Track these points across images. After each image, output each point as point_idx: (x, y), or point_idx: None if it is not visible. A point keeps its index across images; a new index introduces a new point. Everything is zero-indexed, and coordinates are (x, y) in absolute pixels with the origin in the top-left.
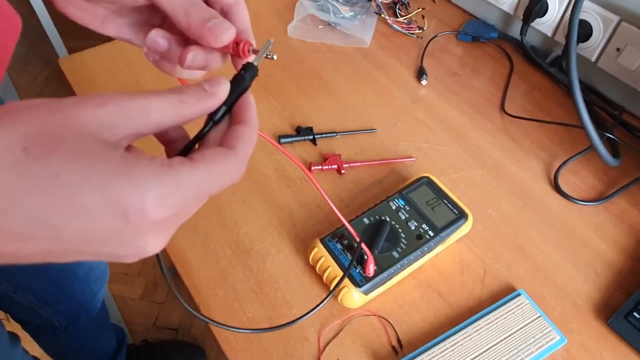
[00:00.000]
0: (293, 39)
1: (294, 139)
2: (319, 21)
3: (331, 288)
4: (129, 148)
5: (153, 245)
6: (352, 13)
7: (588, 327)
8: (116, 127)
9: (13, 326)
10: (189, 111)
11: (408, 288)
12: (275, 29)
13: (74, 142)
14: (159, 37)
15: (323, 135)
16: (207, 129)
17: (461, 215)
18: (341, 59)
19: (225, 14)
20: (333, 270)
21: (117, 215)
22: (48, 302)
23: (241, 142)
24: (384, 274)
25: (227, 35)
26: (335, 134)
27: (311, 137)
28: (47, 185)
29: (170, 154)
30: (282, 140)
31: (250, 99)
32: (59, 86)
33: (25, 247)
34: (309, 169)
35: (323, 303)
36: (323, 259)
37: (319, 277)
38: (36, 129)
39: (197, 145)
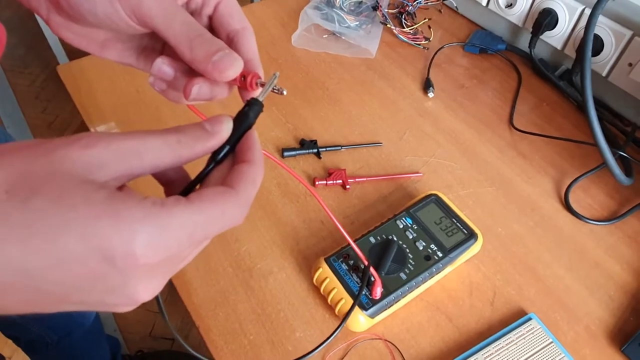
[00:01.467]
0: (297, 49)
1: (297, 152)
2: (323, 30)
3: (336, 311)
4: (121, 188)
5: (144, 292)
6: (357, 22)
7: (602, 353)
8: (105, 167)
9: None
10: (187, 152)
11: (415, 311)
12: (279, 38)
13: (57, 184)
14: (164, 66)
15: (327, 149)
16: (208, 169)
17: (471, 235)
18: (346, 69)
19: (231, 41)
20: (338, 293)
21: (101, 261)
22: (38, 319)
23: (243, 181)
24: (391, 297)
25: (232, 71)
26: (340, 147)
27: (315, 150)
28: (25, 231)
29: (169, 196)
30: (286, 154)
31: (254, 136)
32: (57, 89)
33: (3, 298)
34: (313, 184)
35: (334, 335)
36: (328, 280)
37: (323, 297)
38: (18, 172)
39: (198, 187)
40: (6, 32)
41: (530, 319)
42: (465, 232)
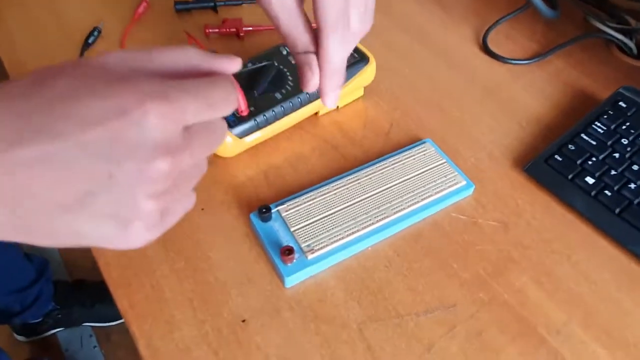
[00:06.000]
0: None
1: (192, 5)
2: None
3: None
4: None
5: (146, 214)
6: None
7: (503, 175)
8: (123, 61)
9: None
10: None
11: (299, 141)
12: None
13: (79, 68)
14: None
15: (227, 3)
16: None
17: (362, 59)
18: None
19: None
20: None
21: (117, 115)
22: None
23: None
24: (263, 117)
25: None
26: (240, 2)
27: (212, 4)
28: (50, 102)
29: None
30: (178, 7)
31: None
32: None
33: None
34: (205, 33)
35: None
36: None
37: None
38: (45, 70)
39: None
40: None
41: (424, 142)
42: (356, 55)
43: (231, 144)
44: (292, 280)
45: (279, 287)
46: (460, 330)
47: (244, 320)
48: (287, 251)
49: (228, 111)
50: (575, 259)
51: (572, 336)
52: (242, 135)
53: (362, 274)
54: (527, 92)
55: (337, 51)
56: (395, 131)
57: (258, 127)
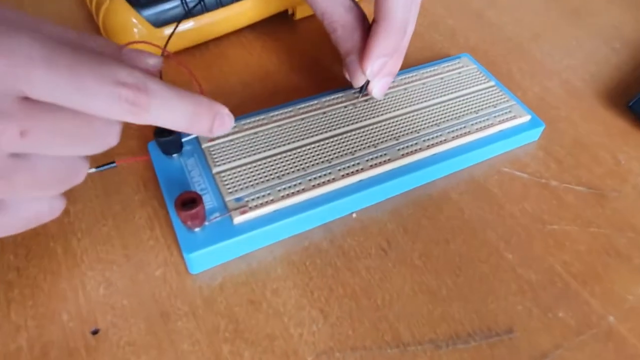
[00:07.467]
0: None
1: None
2: None
3: (100, 19)
4: None
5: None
6: None
7: (590, 115)
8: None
9: None
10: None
11: (259, 49)
12: None
13: None
14: None
15: None
16: None
17: None
18: None
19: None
20: None
21: None
22: None
23: None
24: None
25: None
26: None
27: None
28: None
29: None
30: None
31: None
32: None
33: None
34: None
35: None
36: None
37: None
38: None
39: None
40: None
41: (459, 57)
42: None
43: (137, 33)
44: (202, 262)
45: (178, 273)
46: None
47: (96, 332)
48: (189, 202)
49: (114, 113)
50: None
51: None
52: (158, 23)
53: (336, 259)
54: (616, 6)
55: (400, 2)
56: (413, 45)
57: (189, 14)
